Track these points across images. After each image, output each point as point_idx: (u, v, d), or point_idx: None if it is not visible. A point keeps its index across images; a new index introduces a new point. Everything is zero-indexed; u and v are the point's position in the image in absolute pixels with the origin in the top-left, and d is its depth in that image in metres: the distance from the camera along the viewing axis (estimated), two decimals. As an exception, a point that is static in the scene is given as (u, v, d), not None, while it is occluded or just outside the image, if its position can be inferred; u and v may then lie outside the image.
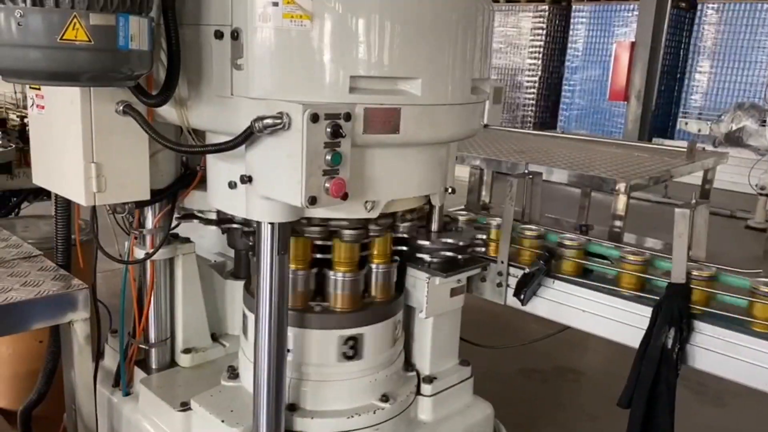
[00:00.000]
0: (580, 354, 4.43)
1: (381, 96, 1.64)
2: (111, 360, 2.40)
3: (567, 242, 2.14)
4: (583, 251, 2.14)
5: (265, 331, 1.79)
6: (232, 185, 1.81)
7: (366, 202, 1.76)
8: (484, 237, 2.22)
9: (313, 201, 1.54)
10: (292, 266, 1.92)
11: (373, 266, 2.01)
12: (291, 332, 1.90)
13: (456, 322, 2.27)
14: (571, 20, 13.38)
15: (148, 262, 2.19)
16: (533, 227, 2.26)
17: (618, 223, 3.81)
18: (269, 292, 1.76)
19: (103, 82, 1.56)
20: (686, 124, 10.41)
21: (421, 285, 2.10)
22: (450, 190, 2.05)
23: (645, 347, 1.86)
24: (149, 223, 2.18)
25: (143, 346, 2.25)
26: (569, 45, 13.46)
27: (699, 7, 12.03)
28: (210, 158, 1.94)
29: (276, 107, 1.53)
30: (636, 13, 12.19)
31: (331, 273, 1.94)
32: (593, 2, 13.08)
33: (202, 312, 2.35)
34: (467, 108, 1.85)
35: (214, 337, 2.40)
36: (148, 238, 2.18)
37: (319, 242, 1.92)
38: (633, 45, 11.98)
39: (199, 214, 2.24)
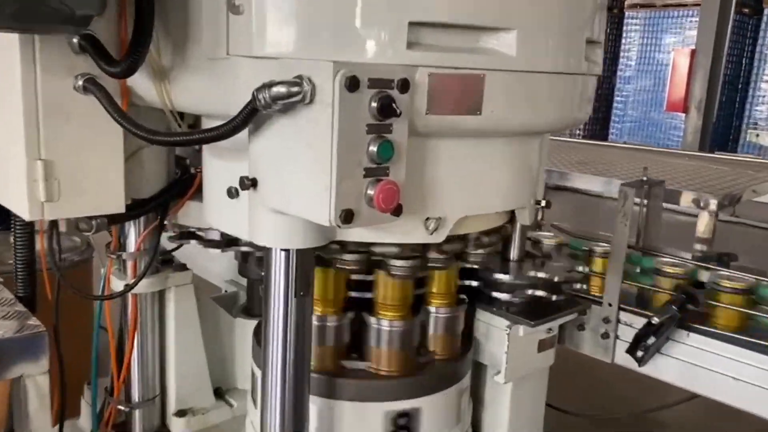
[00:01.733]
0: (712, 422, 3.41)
1: (455, 56, 1.08)
2: (87, 420, 1.86)
3: (726, 284, 1.51)
4: (749, 296, 1.51)
5: (276, 403, 1.24)
6: (232, 193, 1.25)
7: (427, 219, 1.19)
8: (585, 269, 1.60)
9: (348, 217, 0.97)
10: (317, 310, 1.37)
11: (433, 310, 1.46)
12: (314, 404, 1.34)
13: (542, 386, 1.68)
14: (624, 28, 12.74)
15: (130, 296, 1.65)
16: (665, 257, 1.64)
17: (701, 246, 3.20)
18: (282, 347, 1.21)
19: (29, 25, 1.02)
20: (757, 135, 9.64)
21: (498, 336, 1.51)
22: (544, 204, 1.44)
23: None
24: (131, 244, 1.63)
25: (122, 408, 1.71)
26: (621, 54, 12.83)
27: (766, 12, 11.27)
28: (205, 156, 1.39)
29: (292, 69, 0.98)
30: (692, 19, 11.56)
31: (374, 320, 1.39)
32: (647, 9, 12.42)
33: (203, 361, 1.84)
34: (578, 82, 1.26)
35: (219, 394, 1.92)
36: (130, 265, 1.64)
37: (356, 276, 1.34)
38: (693, 52, 11.35)
39: (200, 233, 1.68)
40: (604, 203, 3.69)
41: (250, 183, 1.11)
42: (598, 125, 13.72)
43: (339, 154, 0.96)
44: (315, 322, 1.39)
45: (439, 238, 1.22)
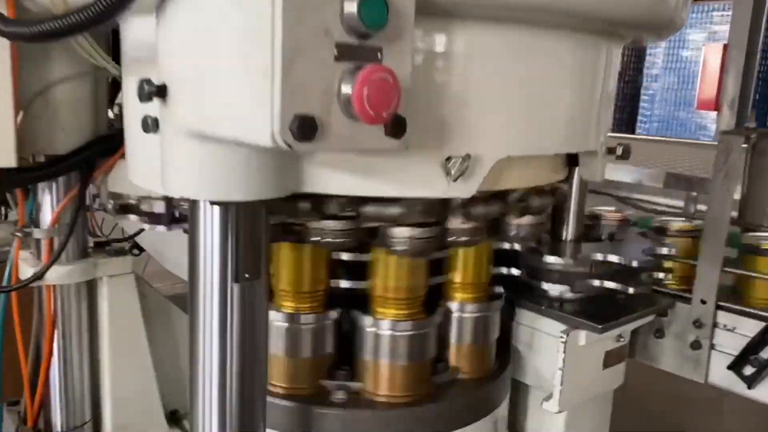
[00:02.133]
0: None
1: None
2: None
3: None
4: None
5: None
6: (148, 125, 0.80)
7: (448, 159, 0.74)
8: (670, 252, 1.14)
9: (306, 129, 0.53)
10: (286, 306, 0.91)
11: (455, 307, 0.99)
12: (281, 445, 0.90)
13: (605, 416, 1.22)
14: (651, 23, 12.38)
15: (44, 289, 1.22)
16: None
17: None
18: (219, 363, 0.78)
19: None
20: (798, 132, 9.18)
21: (549, 345, 1.07)
22: (620, 153, 0.99)
23: None
24: (45, 217, 1.22)
25: (38, 439, 1.28)
26: (648, 51, 12.45)
27: (802, 4, 10.83)
28: (124, 79, 0.96)
29: None
30: (720, 13, 11.14)
31: (369, 320, 0.93)
32: (675, 3, 12.04)
33: (149, 376, 1.44)
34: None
35: (174, 419, 1.51)
36: (44, 246, 1.22)
37: (343, 256, 0.90)
38: (725, 48, 10.90)
39: (141, 205, 1.25)
40: (627, 208, 3.34)
41: (154, 90, 0.67)
42: (623, 125, 13.37)
43: (286, 17, 0.53)
44: (283, 324, 0.95)
45: (466, 190, 0.77)
